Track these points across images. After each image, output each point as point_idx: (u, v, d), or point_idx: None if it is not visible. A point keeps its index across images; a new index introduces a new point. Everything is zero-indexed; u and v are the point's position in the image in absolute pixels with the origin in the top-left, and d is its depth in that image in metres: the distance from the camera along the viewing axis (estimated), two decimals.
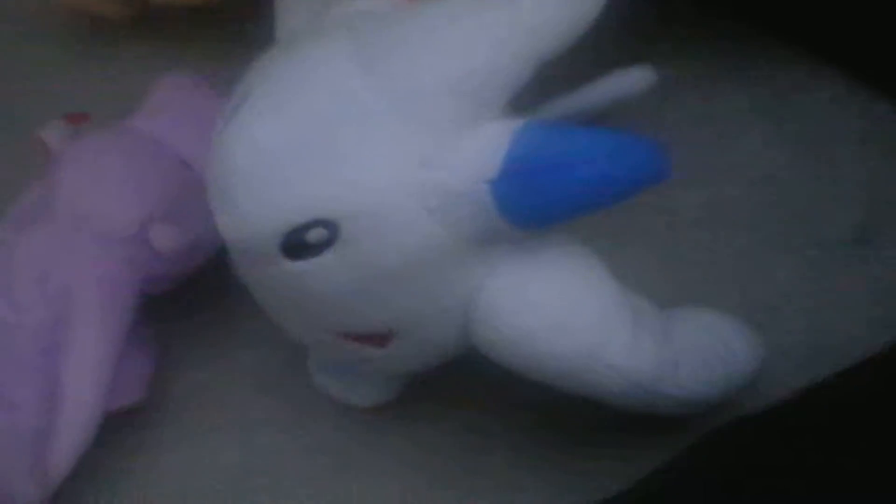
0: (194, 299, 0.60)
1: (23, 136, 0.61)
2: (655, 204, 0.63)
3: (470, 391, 0.56)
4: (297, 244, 0.45)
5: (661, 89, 0.65)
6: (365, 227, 0.45)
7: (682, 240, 0.63)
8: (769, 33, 0.69)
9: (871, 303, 0.60)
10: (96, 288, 0.54)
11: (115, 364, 0.54)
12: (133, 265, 0.55)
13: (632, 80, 0.61)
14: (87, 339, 0.54)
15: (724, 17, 0.68)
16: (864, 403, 0.46)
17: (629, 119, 0.64)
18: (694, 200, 0.64)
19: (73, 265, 0.54)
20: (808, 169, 0.65)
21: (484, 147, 0.45)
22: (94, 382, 0.53)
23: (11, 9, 0.69)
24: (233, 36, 0.64)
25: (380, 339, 0.49)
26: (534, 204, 0.45)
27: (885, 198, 0.64)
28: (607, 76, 0.61)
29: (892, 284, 0.61)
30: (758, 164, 0.65)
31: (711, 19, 0.68)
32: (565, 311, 0.48)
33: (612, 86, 0.61)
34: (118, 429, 0.56)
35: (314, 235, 0.45)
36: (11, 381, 0.53)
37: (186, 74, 0.61)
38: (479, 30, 0.46)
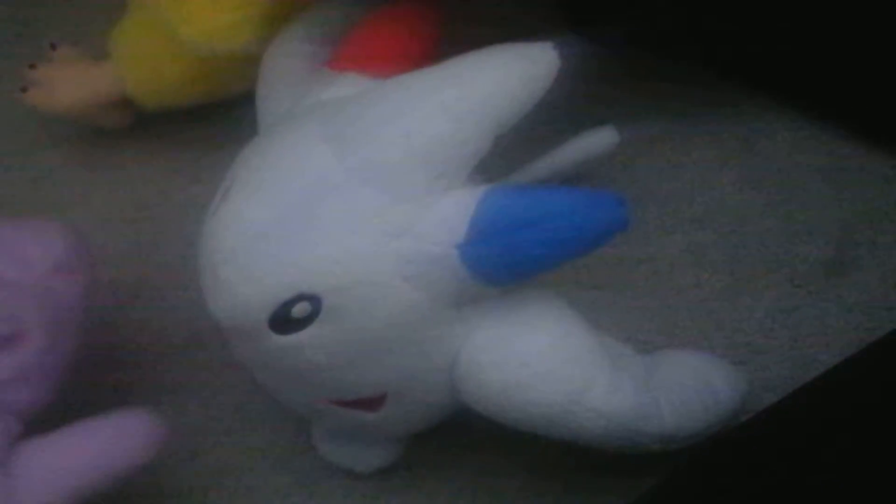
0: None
1: None
2: (635, 254, 0.66)
3: (471, 440, 0.58)
4: (283, 319, 0.48)
5: (634, 145, 0.68)
6: (345, 298, 0.48)
7: (663, 286, 0.66)
8: (734, 82, 0.72)
9: (848, 332, 0.63)
10: None
11: None
12: None
13: (597, 140, 0.64)
14: None
15: (687, 66, 0.71)
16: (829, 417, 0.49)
17: (605, 175, 0.67)
18: (671, 248, 0.67)
19: None
20: (778, 210, 0.68)
21: (451, 214, 0.48)
22: None
23: (21, 120, 0.73)
24: (224, 130, 0.67)
25: (372, 403, 0.52)
26: (502, 263, 0.49)
27: (854, 231, 0.67)
28: (574, 138, 0.64)
29: (866, 313, 0.64)
30: (730, 209, 0.68)
31: (677, 75, 0.71)
32: (544, 362, 0.51)
33: (579, 147, 0.64)
34: None
35: (299, 310, 0.48)
36: None
37: None
38: (439, 106, 0.49)
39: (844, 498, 0.46)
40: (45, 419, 0.55)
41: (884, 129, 0.69)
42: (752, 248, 0.67)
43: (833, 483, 0.46)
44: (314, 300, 0.48)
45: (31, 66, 0.70)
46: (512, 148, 0.52)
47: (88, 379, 0.58)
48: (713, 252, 0.67)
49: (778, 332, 0.63)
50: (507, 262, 0.49)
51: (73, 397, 0.56)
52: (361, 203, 0.48)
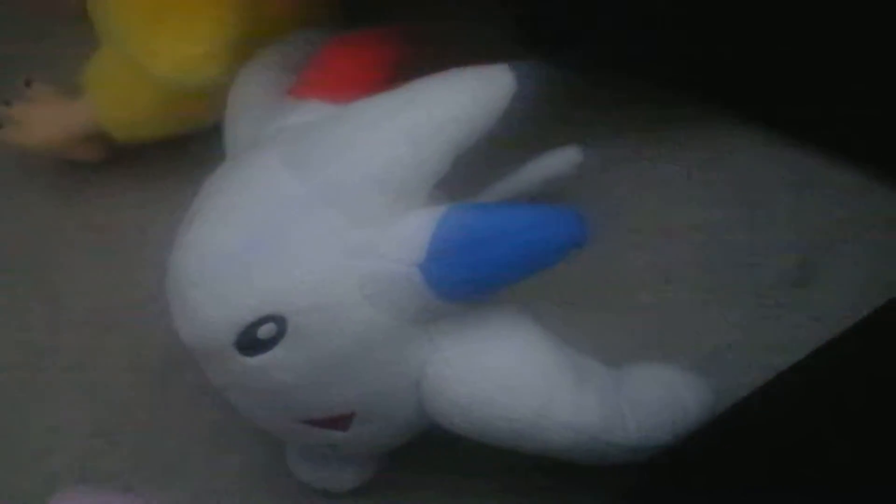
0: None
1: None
2: (604, 269, 0.67)
3: (446, 457, 0.59)
4: (249, 341, 0.49)
5: (602, 162, 0.69)
6: (310, 319, 0.49)
7: (632, 301, 0.67)
8: (699, 99, 0.73)
9: (815, 343, 0.63)
10: None
11: None
12: None
13: (560, 160, 0.65)
14: None
15: (652, 84, 0.72)
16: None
17: (574, 192, 0.68)
18: (640, 263, 0.68)
19: None
20: (745, 222, 0.69)
21: (411, 233, 0.49)
22: None
23: None
24: (196, 160, 0.68)
25: (342, 421, 0.53)
26: (463, 280, 0.50)
27: (819, 242, 0.68)
28: (537, 158, 0.65)
29: (833, 324, 0.64)
30: (698, 223, 0.69)
31: (644, 93, 0.72)
32: (509, 375, 0.52)
33: (542, 167, 0.65)
34: None
35: (265, 331, 0.49)
36: None
37: None
38: (397, 129, 0.50)
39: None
40: None
41: (848, 143, 0.70)
42: (719, 262, 0.68)
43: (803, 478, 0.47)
44: (279, 321, 0.49)
45: (6, 104, 0.71)
46: (478, 168, 0.53)
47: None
48: (681, 267, 0.68)
49: (745, 343, 0.64)
50: (468, 279, 0.50)
51: None
52: (323, 225, 0.49)
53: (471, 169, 0.52)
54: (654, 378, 0.57)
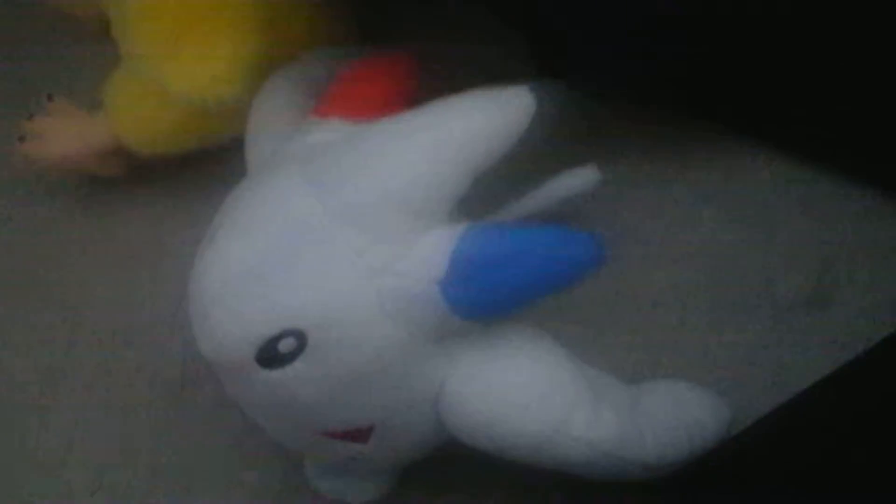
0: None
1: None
2: (619, 291, 0.67)
3: (461, 472, 0.60)
4: (270, 355, 0.50)
5: (617, 184, 0.70)
6: (329, 334, 0.50)
7: (647, 322, 0.67)
8: (709, 122, 0.73)
9: (829, 364, 0.63)
10: None
11: None
12: None
13: (579, 179, 0.66)
14: None
15: (666, 108, 0.72)
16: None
17: (588, 214, 0.69)
18: (655, 285, 0.68)
19: None
20: (758, 244, 0.69)
21: (431, 252, 0.50)
22: None
23: (20, 171, 0.75)
24: (216, 176, 0.69)
25: (361, 434, 0.53)
26: (481, 299, 0.50)
27: (834, 263, 0.68)
28: (556, 177, 0.66)
29: (846, 345, 0.65)
30: (711, 245, 0.70)
31: (658, 115, 0.73)
32: (527, 392, 0.52)
33: (560, 186, 0.65)
34: None
35: (285, 345, 0.49)
36: None
37: None
38: (417, 149, 0.51)
39: None
40: None
41: (860, 164, 0.71)
42: (733, 284, 0.68)
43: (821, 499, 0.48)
44: (299, 336, 0.49)
45: (28, 118, 0.72)
46: (495, 187, 0.54)
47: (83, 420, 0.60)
48: (696, 288, 0.68)
49: (760, 364, 0.65)
50: (486, 299, 0.50)
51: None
52: (343, 243, 0.50)
53: (490, 188, 0.53)
54: (670, 395, 0.58)
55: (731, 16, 0.64)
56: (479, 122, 0.51)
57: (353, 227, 0.50)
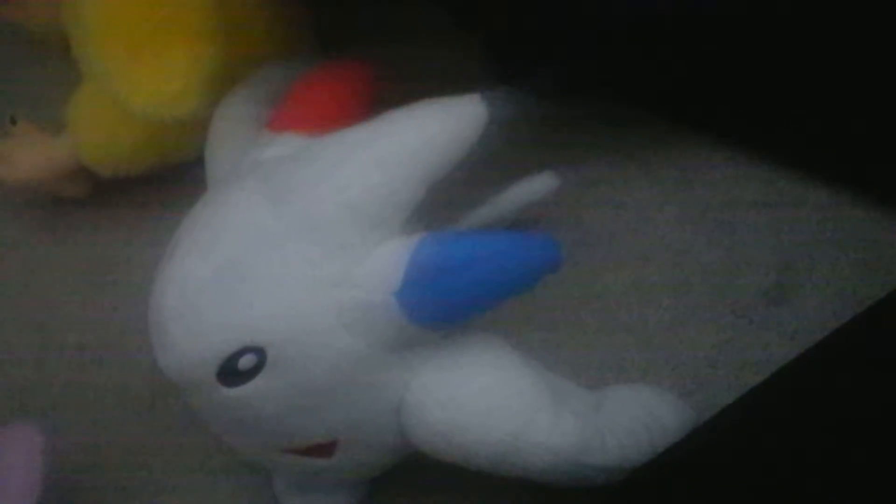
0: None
1: None
2: (582, 293, 0.68)
3: (429, 481, 0.59)
4: (230, 372, 0.50)
5: (577, 187, 0.71)
6: (288, 349, 0.50)
7: (611, 323, 0.67)
8: (671, 120, 0.74)
9: (790, 359, 0.65)
10: None
11: None
12: None
13: (536, 185, 0.66)
14: None
15: (624, 108, 0.73)
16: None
17: (550, 217, 0.69)
18: (617, 285, 0.69)
19: None
20: (718, 242, 0.70)
21: (387, 262, 0.50)
22: None
23: None
24: (179, 193, 0.69)
25: (324, 449, 0.53)
26: (438, 307, 0.51)
27: (793, 260, 0.69)
28: (514, 184, 0.66)
29: (807, 341, 0.65)
30: (672, 245, 0.70)
31: (616, 115, 0.73)
32: (487, 400, 0.53)
33: (519, 193, 0.66)
34: None
35: (245, 362, 0.50)
36: None
37: None
38: (370, 160, 0.51)
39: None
40: None
41: (820, 162, 0.71)
42: (694, 282, 0.69)
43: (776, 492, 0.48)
44: (259, 352, 0.50)
45: None
46: (456, 196, 0.55)
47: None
48: (657, 287, 0.69)
49: (722, 362, 0.65)
50: (443, 307, 0.51)
51: None
52: (299, 256, 0.50)
53: (448, 196, 0.54)
54: (632, 399, 0.58)
55: (687, 16, 0.65)
56: (432, 131, 0.52)
57: (308, 240, 0.50)
